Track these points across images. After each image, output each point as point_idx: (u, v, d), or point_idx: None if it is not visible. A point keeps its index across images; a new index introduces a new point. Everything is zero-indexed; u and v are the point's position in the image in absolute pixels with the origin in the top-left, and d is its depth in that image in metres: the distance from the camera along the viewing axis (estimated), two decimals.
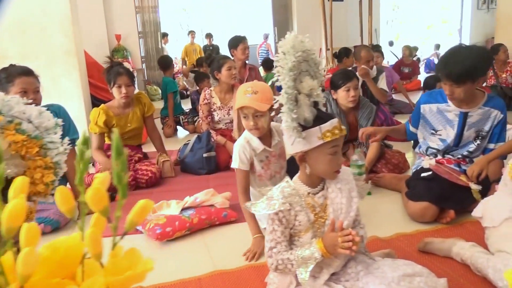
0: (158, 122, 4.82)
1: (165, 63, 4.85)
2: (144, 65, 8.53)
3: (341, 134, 1.23)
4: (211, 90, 3.32)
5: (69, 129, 2.26)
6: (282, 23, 9.78)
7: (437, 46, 11.03)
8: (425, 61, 11.37)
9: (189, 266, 1.75)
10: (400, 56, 9.73)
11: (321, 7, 8.93)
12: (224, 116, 3.28)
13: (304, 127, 1.23)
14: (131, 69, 7.82)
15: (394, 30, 21.62)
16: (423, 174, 2.12)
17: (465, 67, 1.85)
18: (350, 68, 4.19)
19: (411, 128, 2.29)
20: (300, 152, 1.27)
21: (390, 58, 11.85)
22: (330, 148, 1.23)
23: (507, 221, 1.56)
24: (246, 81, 3.98)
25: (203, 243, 1.94)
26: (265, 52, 10.74)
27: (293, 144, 1.25)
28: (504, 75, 4.83)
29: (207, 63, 4.10)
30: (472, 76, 1.88)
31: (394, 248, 1.75)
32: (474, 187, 2.00)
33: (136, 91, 8.29)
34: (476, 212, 1.70)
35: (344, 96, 2.59)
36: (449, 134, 2.12)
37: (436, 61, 10.02)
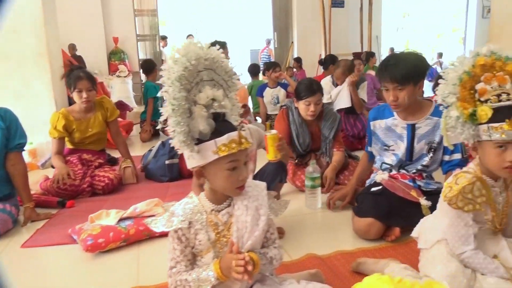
0: (138, 127, 4.80)
1: (148, 67, 4.80)
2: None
3: (239, 148, 1.15)
4: None
5: (15, 133, 2.21)
6: (282, 29, 9.74)
7: (440, 55, 10.86)
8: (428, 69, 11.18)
9: (113, 281, 1.68)
10: None
11: (320, 13, 8.88)
12: None
13: (200, 140, 1.15)
14: (127, 72, 7.89)
15: (404, 37, 21.45)
16: (372, 189, 2.02)
17: (406, 67, 1.85)
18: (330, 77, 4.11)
19: (369, 149, 2.21)
20: (196, 167, 1.19)
21: None
22: (228, 163, 1.15)
23: (439, 243, 1.46)
24: None
25: (136, 256, 1.87)
26: (267, 57, 10.69)
27: (188, 159, 1.18)
28: None
29: None
30: (413, 77, 1.86)
31: (329, 267, 1.66)
32: (424, 203, 1.89)
33: (131, 93, 8.25)
34: (414, 232, 1.60)
35: (303, 109, 2.52)
36: (400, 148, 2.02)
37: (439, 69, 9.86)
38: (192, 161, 1.18)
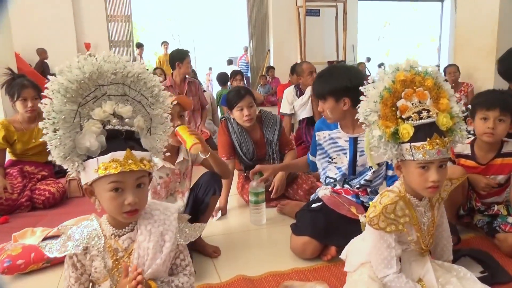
0: None
1: None
2: None
3: (123, 169, 1.04)
4: None
5: None
6: (259, 37, 9.71)
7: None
8: None
9: None
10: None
11: (296, 22, 8.89)
12: None
13: (89, 157, 1.07)
14: None
15: (385, 46, 21.72)
16: (313, 205, 1.95)
17: (323, 83, 1.89)
18: (294, 85, 4.06)
19: (311, 158, 2.16)
20: (84, 185, 1.10)
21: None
22: (109, 184, 1.05)
23: (363, 266, 1.40)
24: (185, 95, 3.85)
25: (57, 277, 1.76)
26: (245, 64, 10.64)
27: (79, 174, 1.10)
28: (458, 95, 4.69)
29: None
30: (329, 93, 1.86)
31: None
32: (363, 220, 1.82)
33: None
34: (343, 253, 1.54)
35: (239, 116, 2.46)
36: (343, 162, 1.97)
37: None
38: (82, 178, 1.09)
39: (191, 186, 1.96)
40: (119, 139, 1.10)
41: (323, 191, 2.03)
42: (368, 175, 1.95)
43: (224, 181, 2.13)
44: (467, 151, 1.92)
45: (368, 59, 12.49)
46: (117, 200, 1.06)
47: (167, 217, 1.20)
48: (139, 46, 9.32)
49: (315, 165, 2.13)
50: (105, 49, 8.10)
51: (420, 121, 1.27)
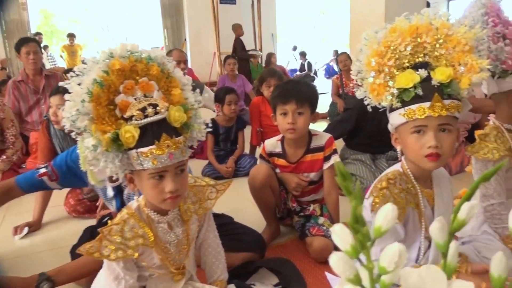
0: None
1: None
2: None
3: None
4: None
5: None
6: (174, 26, 9.27)
7: (336, 52, 11.11)
8: (325, 66, 11.44)
9: None
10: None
11: (211, 10, 8.56)
12: None
13: None
14: None
15: (320, 35, 21.99)
16: None
17: None
18: None
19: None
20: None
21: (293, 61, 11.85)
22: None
23: None
24: (43, 91, 3.43)
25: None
26: None
27: None
28: (351, 84, 4.66)
29: None
30: None
31: None
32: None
33: None
34: None
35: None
36: None
37: (335, 67, 10.02)
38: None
39: None
40: None
41: None
42: None
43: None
44: (278, 149, 1.74)
45: (295, 48, 12.47)
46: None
47: None
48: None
49: None
50: None
51: (146, 119, 1.02)
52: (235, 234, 1.56)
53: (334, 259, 0.38)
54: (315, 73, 11.15)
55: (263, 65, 8.12)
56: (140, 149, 1.01)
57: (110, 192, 1.55)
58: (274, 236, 1.80)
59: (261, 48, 8.70)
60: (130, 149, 1.02)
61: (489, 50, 1.28)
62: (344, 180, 0.41)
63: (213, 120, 2.97)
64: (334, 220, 1.69)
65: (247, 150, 3.09)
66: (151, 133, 1.01)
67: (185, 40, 9.32)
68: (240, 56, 7.60)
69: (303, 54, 11.15)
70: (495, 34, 1.30)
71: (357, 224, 0.37)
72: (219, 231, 1.32)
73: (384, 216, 0.42)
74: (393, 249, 0.36)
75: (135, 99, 1.05)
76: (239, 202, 2.16)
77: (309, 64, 11.06)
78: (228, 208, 1.95)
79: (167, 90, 1.10)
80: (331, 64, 10.95)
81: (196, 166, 3.05)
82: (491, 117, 1.53)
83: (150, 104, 1.03)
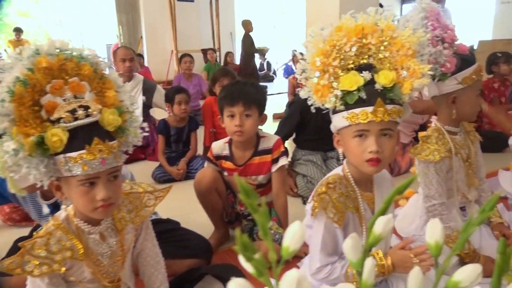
0: None
1: None
2: None
3: None
4: None
5: None
6: (130, 23, 9.00)
7: (294, 52, 11.23)
8: (284, 66, 11.52)
9: None
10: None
11: (168, 7, 8.38)
12: None
13: None
14: None
15: (281, 34, 22.13)
16: None
17: None
18: None
19: None
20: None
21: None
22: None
23: None
24: None
25: None
26: None
27: None
28: None
29: None
30: None
31: None
32: None
33: None
34: None
35: None
36: None
37: (294, 67, 10.11)
38: None
39: None
40: None
41: None
42: None
43: None
44: (226, 151, 1.69)
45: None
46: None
47: None
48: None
49: None
50: None
51: (76, 122, 0.94)
52: (180, 241, 1.51)
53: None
54: (274, 73, 11.20)
55: (221, 64, 8.06)
56: (68, 154, 0.93)
57: (46, 209, 1.45)
58: (223, 240, 1.76)
59: (219, 47, 8.63)
60: (57, 154, 0.94)
61: (429, 53, 1.30)
62: (248, 197, 0.38)
63: (164, 121, 2.88)
64: (282, 223, 1.67)
65: (200, 151, 3.02)
66: (82, 136, 0.94)
67: (141, 37, 9.08)
68: (248, 52, 7.57)
69: (262, 54, 11.16)
70: (434, 37, 1.33)
71: (247, 252, 0.33)
72: (163, 237, 1.26)
73: (291, 236, 0.38)
74: (292, 275, 0.33)
75: (64, 100, 0.96)
76: (189, 206, 2.10)
77: (268, 64, 11.09)
78: (176, 212, 1.89)
79: (100, 92, 1.02)
80: (290, 64, 11.03)
81: (147, 168, 2.95)
82: (433, 119, 1.56)
83: (80, 106, 0.96)
